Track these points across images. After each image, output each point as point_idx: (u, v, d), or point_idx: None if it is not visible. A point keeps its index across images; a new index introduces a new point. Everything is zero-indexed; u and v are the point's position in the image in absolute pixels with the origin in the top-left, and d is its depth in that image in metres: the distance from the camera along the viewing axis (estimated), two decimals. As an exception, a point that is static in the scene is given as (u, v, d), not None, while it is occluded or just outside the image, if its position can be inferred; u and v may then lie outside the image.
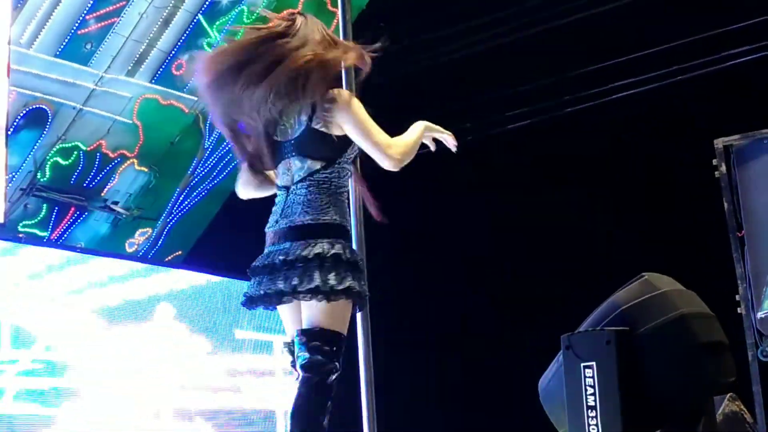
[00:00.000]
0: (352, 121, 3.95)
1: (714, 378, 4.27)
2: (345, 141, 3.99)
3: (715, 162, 7.05)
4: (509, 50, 9.00)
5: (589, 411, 4.23)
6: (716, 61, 8.03)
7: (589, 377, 4.24)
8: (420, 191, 9.25)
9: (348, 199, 4.11)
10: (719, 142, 7.06)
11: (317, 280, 3.79)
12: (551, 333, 4.74)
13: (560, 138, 8.82)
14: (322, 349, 3.80)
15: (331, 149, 3.98)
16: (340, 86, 4.31)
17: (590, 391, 4.23)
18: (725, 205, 6.99)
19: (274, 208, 4.07)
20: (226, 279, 9.08)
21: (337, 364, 3.81)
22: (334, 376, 3.80)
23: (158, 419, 8.26)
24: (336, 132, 3.97)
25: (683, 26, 8.22)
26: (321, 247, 3.85)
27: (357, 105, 3.99)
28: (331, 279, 3.81)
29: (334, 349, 3.82)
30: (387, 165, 3.99)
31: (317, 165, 3.97)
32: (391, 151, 3.96)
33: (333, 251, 3.86)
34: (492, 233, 9.03)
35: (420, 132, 4.16)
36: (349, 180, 4.16)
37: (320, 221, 3.92)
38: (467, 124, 9.45)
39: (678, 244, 7.79)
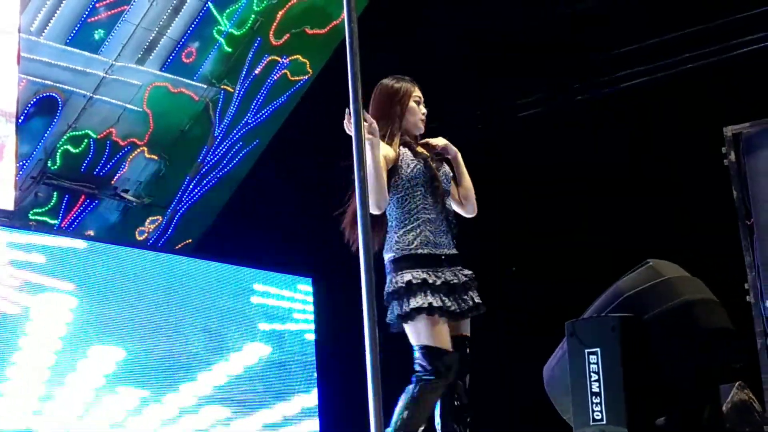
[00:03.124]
0: None
1: (718, 365, 4.27)
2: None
3: (724, 150, 7.03)
4: (521, 38, 8.99)
5: (594, 397, 4.23)
6: (726, 49, 8.00)
7: (594, 364, 4.24)
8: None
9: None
10: (728, 130, 7.03)
11: None
12: (556, 320, 4.74)
13: (569, 127, 8.80)
14: None
15: None
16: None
17: (595, 377, 4.23)
18: (734, 193, 6.96)
19: None
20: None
21: None
22: None
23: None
24: None
25: (693, 14, 8.20)
26: None
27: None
28: None
29: None
30: None
31: None
32: None
33: None
34: (497, 228, 9.00)
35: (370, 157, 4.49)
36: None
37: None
38: (477, 111, 9.47)
39: (687, 232, 7.77)
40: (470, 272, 4.58)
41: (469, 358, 4.50)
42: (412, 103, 4.78)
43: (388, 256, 4.60)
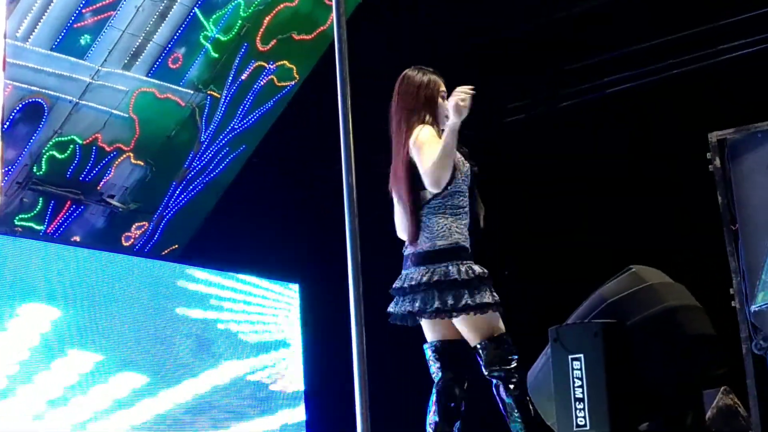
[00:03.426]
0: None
1: (701, 370, 4.28)
2: None
3: (709, 155, 7.04)
4: (508, 43, 8.99)
5: (577, 403, 4.23)
6: (711, 55, 8.04)
7: (577, 369, 4.25)
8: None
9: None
10: (713, 136, 7.04)
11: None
12: (541, 326, 4.75)
13: (555, 131, 8.82)
14: None
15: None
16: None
17: (578, 383, 4.24)
18: (719, 198, 6.97)
19: None
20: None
21: None
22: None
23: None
24: None
25: (678, 20, 8.23)
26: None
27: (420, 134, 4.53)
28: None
29: None
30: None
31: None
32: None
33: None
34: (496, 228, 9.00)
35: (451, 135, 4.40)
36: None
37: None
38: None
39: (673, 237, 7.79)
40: None
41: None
42: (439, 99, 4.68)
43: (444, 243, 4.46)
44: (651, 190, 8.14)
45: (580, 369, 4.24)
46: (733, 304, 6.84)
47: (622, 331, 4.24)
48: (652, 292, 4.31)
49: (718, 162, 6.99)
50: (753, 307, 6.52)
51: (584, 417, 4.22)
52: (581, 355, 4.25)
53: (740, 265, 6.83)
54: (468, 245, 4.50)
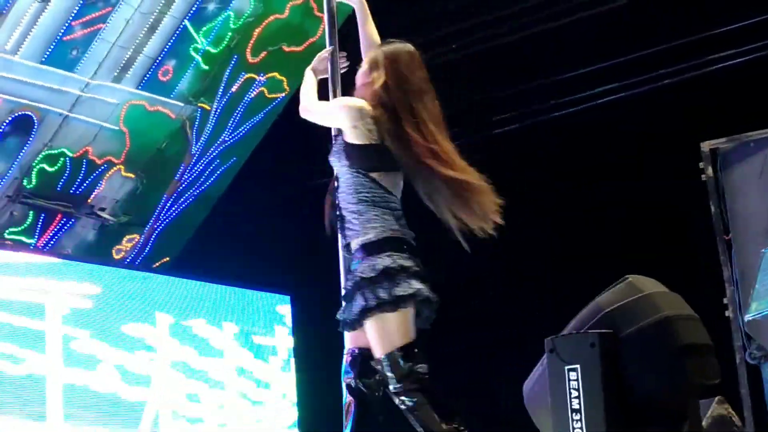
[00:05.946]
0: None
1: (697, 380, 4.24)
2: None
3: (701, 165, 7.05)
4: (498, 53, 8.98)
5: (574, 414, 4.20)
6: (703, 64, 8.04)
7: (574, 380, 4.21)
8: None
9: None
10: (706, 146, 7.06)
11: None
12: (537, 337, 4.72)
13: (546, 141, 8.80)
14: None
15: None
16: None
17: (575, 394, 4.20)
18: (712, 208, 6.99)
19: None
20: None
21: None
22: None
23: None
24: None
25: (670, 30, 8.23)
26: None
27: None
28: None
29: None
30: None
31: None
32: None
33: None
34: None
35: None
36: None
37: None
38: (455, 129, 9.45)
39: (666, 247, 7.78)
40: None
41: None
42: None
43: None
44: (645, 199, 8.13)
45: (577, 380, 4.21)
46: (726, 314, 6.85)
47: (618, 341, 4.21)
48: (648, 301, 4.27)
49: (710, 171, 7.02)
50: (747, 317, 6.52)
51: (581, 428, 4.18)
52: (578, 366, 4.21)
53: (733, 274, 6.85)
54: None
